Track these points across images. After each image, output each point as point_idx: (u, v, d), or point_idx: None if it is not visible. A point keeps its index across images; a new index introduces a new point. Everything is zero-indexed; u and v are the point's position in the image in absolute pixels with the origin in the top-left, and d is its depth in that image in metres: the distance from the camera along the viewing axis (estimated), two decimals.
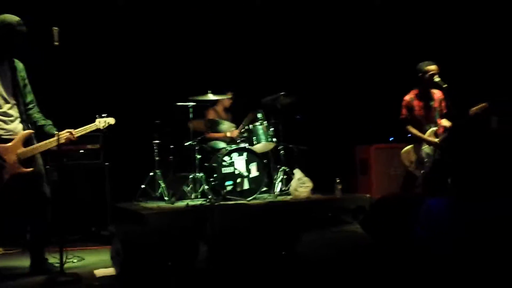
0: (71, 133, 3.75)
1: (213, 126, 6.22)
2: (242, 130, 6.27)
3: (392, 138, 7.13)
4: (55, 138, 3.63)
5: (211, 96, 6.09)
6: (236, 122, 6.46)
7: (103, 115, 3.94)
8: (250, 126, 6.19)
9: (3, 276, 3.75)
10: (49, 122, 3.79)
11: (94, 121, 3.92)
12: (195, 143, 5.99)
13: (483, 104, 4.88)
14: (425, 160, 5.03)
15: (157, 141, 6.11)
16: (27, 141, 3.66)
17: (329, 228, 5.54)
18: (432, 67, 5.13)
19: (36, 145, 3.69)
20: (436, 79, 5.09)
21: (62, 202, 4.95)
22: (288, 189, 6.06)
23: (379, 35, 7.29)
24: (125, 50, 6.52)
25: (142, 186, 6.04)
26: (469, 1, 6.57)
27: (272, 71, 7.11)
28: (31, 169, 3.63)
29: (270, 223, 4.82)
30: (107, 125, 3.94)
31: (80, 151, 5.57)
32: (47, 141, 3.70)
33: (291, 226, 4.22)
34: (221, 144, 6.32)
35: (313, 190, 6.03)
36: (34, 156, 3.70)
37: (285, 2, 7.06)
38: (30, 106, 3.79)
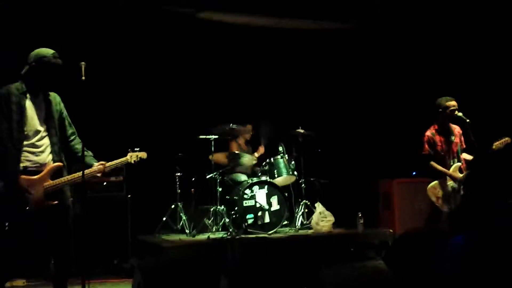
0: (103, 165, 3.78)
1: (235, 159, 6.25)
2: (264, 162, 6.29)
3: (415, 173, 7.05)
4: (86, 171, 3.67)
5: (232, 128, 6.14)
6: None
7: (136, 149, 3.96)
8: (272, 159, 6.21)
9: None
10: (90, 153, 3.82)
11: (126, 155, 3.94)
12: (216, 175, 6.02)
13: (506, 139, 4.82)
14: (451, 195, 4.96)
15: (179, 174, 6.16)
16: (55, 174, 3.69)
17: (351, 263, 5.41)
18: (452, 103, 5.12)
19: (64, 178, 3.73)
20: (459, 114, 5.07)
21: (85, 234, 5.00)
22: (309, 223, 6.02)
23: (400, 69, 7.32)
24: (150, 84, 6.66)
25: (164, 218, 6.07)
26: (488, 34, 6.57)
27: (295, 104, 7.17)
28: (55, 202, 3.66)
29: (291, 256, 4.79)
30: (138, 159, 3.97)
31: (104, 183, 5.65)
32: (75, 174, 3.74)
33: (312, 260, 4.18)
34: (243, 177, 6.34)
35: (335, 224, 5.97)
36: (62, 189, 3.73)
37: (305, 38, 7.16)
38: (72, 137, 3.83)
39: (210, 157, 6.14)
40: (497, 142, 4.83)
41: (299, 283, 3.81)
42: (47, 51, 3.70)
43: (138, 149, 3.97)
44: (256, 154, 6.59)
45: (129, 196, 5.68)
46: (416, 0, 6.75)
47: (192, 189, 6.27)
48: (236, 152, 6.34)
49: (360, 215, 5.94)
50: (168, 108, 6.75)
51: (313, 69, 7.37)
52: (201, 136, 6.14)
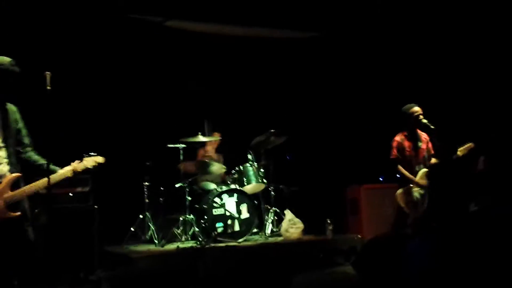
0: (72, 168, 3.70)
1: (203, 167, 6.23)
2: (232, 170, 6.29)
3: (382, 178, 7.17)
4: (44, 180, 3.58)
5: (201, 138, 6.13)
6: (227, 162, 6.49)
7: (91, 153, 3.84)
8: (241, 167, 6.22)
9: None
10: (49, 162, 3.68)
11: (81, 160, 3.81)
12: (185, 184, 5.98)
13: (470, 144, 4.96)
14: (419, 201, 5.06)
15: (147, 183, 6.10)
16: (14, 185, 3.61)
17: (321, 269, 5.48)
18: (416, 109, 5.25)
19: (24, 188, 3.63)
20: (423, 120, 5.19)
21: (51, 245, 4.87)
22: (279, 230, 6.03)
23: (368, 76, 7.45)
24: (117, 93, 6.58)
25: (132, 228, 5.98)
26: (452, 38, 6.75)
27: (261, 111, 7.20)
28: (18, 213, 3.57)
29: (262, 264, 4.78)
30: (96, 164, 3.85)
31: (70, 194, 5.53)
32: (35, 183, 3.65)
33: (283, 268, 4.18)
34: (212, 186, 6.31)
35: (304, 231, 6.01)
36: (20, 200, 3.63)
37: (271, 47, 7.22)
38: (28, 149, 3.73)
39: (179, 165, 6.11)
40: (461, 148, 4.96)
41: None
42: (4, 59, 3.61)
43: (94, 153, 3.84)
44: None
45: (95, 206, 5.57)
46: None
47: (161, 199, 6.20)
48: (205, 160, 6.32)
49: (329, 221, 6.00)
50: (137, 117, 6.67)
51: (281, 76, 7.42)
52: (169, 145, 6.10)
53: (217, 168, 6.29)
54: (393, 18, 6.80)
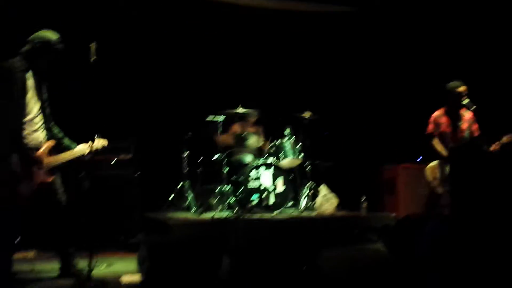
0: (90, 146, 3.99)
1: (240, 140, 6.34)
2: (270, 144, 6.37)
3: (421, 158, 7.09)
4: (81, 148, 3.89)
5: (240, 111, 6.23)
6: (267, 136, 6.60)
7: (96, 135, 4.06)
8: (278, 141, 6.29)
9: (33, 278, 3.93)
10: (66, 137, 4.01)
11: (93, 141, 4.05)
12: (223, 156, 6.12)
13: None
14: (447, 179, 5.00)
15: (187, 154, 6.27)
16: (51, 151, 3.83)
17: (353, 246, 5.54)
18: (461, 88, 5.15)
19: (61, 155, 3.87)
20: (465, 100, 5.10)
21: (93, 210, 5.13)
22: (313, 205, 6.11)
23: (411, 52, 7.30)
24: (159, 66, 6.72)
25: (171, 197, 6.20)
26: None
27: (301, 87, 7.20)
28: (53, 177, 3.80)
29: (294, 238, 4.89)
30: (102, 146, 4.08)
31: (112, 161, 5.78)
32: (71, 151, 3.89)
33: (313, 242, 4.27)
34: (249, 158, 6.42)
35: (339, 207, 6.06)
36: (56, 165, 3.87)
37: (311, 21, 7.15)
38: (51, 121, 3.97)
39: (217, 138, 6.24)
40: (506, 137, 4.84)
41: (299, 264, 3.91)
42: (53, 35, 3.80)
43: (97, 135, 4.07)
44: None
45: (137, 174, 5.81)
46: None
47: (199, 169, 6.37)
48: (242, 133, 6.43)
49: (363, 198, 6.02)
50: (178, 89, 6.80)
51: (320, 52, 7.36)
52: (209, 117, 6.23)
53: (254, 141, 6.39)
54: None
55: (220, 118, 6.22)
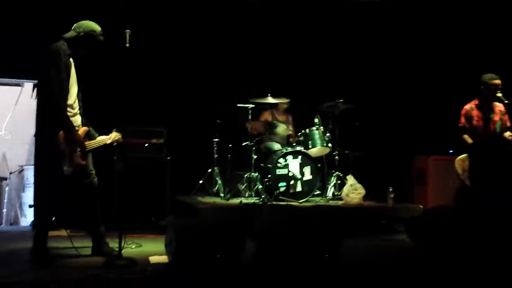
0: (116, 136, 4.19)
1: (270, 128, 6.42)
2: (299, 133, 6.43)
3: (452, 151, 7.01)
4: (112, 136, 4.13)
5: (270, 99, 6.29)
6: (297, 125, 6.63)
7: (113, 129, 4.22)
8: (307, 130, 6.34)
9: (67, 254, 4.13)
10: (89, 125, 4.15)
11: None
12: (252, 143, 6.21)
13: None
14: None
15: (217, 140, 6.39)
16: (85, 136, 4.01)
17: (379, 236, 5.57)
18: (495, 81, 5.08)
19: (96, 140, 4.06)
20: (498, 94, 5.03)
21: (126, 192, 5.31)
22: (340, 194, 6.15)
23: (444, 43, 7.20)
24: (193, 54, 6.81)
25: (200, 181, 6.34)
26: None
27: (332, 76, 7.20)
28: (85, 162, 3.97)
29: (318, 226, 4.94)
30: (115, 139, 4.19)
31: (145, 144, 5.96)
32: (97, 140, 4.08)
33: (338, 230, 4.32)
34: (277, 146, 6.50)
35: (366, 197, 6.08)
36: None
37: (344, 13, 7.11)
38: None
39: (247, 125, 6.34)
40: None
41: (321, 251, 3.98)
42: (97, 27, 3.95)
43: (114, 129, 4.22)
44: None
45: (168, 158, 5.97)
46: None
47: (229, 155, 6.48)
48: (272, 121, 6.50)
49: (390, 189, 6.01)
50: (211, 77, 6.90)
51: (352, 41, 7.32)
52: (239, 105, 6.32)
53: (283, 129, 6.47)
54: None
55: (250, 105, 6.30)
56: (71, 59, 3.90)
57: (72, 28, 3.97)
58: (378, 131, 7.30)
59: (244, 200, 5.81)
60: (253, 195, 6.06)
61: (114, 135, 4.20)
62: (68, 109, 3.88)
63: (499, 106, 5.18)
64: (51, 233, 4.07)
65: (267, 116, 6.75)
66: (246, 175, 6.13)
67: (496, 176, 2.44)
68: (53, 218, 4.02)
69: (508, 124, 5.18)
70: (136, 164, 5.79)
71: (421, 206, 6.01)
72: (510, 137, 5.04)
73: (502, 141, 4.82)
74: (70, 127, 3.80)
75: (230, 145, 6.49)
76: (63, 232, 4.36)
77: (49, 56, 3.78)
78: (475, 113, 5.15)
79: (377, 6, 7.12)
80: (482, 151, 2.62)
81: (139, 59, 4.65)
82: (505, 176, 2.45)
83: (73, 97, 3.93)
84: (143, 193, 5.82)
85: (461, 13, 6.94)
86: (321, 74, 7.21)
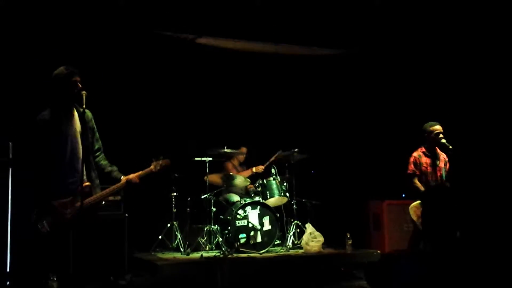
0: (132, 177, 3.98)
1: (228, 180, 6.48)
2: (257, 183, 6.52)
3: (405, 195, 7.24)
4: (117, 186, 3.92)
5: (227, 151, 6.39)
6: (252, 176, 6.75)
7: (160, 157, 4.10)
8: (264, 180, 6.44)
9: None
10: (115, 168, 4.00)
11: (149, 165, 4.09)
12: (211, 196, 6.24)
13: None
14: None
15: (175, 194, 6.38)
16: (85, 193, 3.77)
17: (339, 283, 5.62)
18: (437, 127, 5.35)
19: (96, 195, 3.88)
20: (442, 140, 5.29)
21: (84, 251, 5.17)
22: (300, 243, 6.21)
23: (393, 92, 7.56)
24: (148, 107, 6.89)
25: (160, 237, 6.28)
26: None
27: (286, 126, 7.41)
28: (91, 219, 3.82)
29: (282, 276, 4.97)
30: (161, 167, 4.09)
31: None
32: (106, 190, 3.92)
33: (302, 280, 4.36)
34: (236, 198, 6.55)
35: (325, 245, 6.17)
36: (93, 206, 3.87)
37: (298, 64, 7.42)
38: (98, 153, 4.00)
39: (205, 178, 6.38)
40: None
41: None
42: (61, 70, 3.84)
43: (161, 157, 4.12)
44: (254, 169, 6.78)
45: (126, 215, 5.90)
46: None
47: (188, 209, 6.48)
48: (230, 173, 6.58)
49: (348, 235, 6.14)
50: (165, 130, 6.97)
51: (307, 93, 7.61)
52: (196, 158, 6.38)
53: (241, 181, 6.54)
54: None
55: (208, 158, 6.37)
56: (61, 117, 3.82)
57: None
58: (333, 179, 7.50)
59: (205, 254, 5.78)
60: (214, 248, 6.04)
61: (153, 166, 4.10)
62: (67, 168, 3.77)
63: (443, 154, 5.45)
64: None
65: (228, 168, 6.82)
66: (206, 228, 6.12)
67: (449, 223, 2.57)
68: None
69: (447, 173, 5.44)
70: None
71: (378, 251, 6.15)
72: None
73: (445, 188, 5.04)
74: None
75: (188, 199, 6.50)
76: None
77: None
78: (423, 159, 5.37)
79: (327, 60, 7.47)
80: (435, 198, 2.76)
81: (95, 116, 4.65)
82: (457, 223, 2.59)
83: (70, 154, 3.79)
84: (101, 252, 5.68)
85: (404, 63, 7.34)
86: (276, 126, 7.41)
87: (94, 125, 4.01)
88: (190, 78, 7.11)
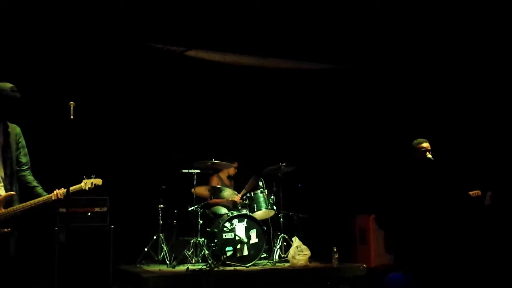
0: (57, 192, 3.83)
1: (216, 192, 6.48)
2: (244, 196, 6.54)
3: None
4: (42, 199, 3.79)
5: (215, 164, 6.39)
6: (239, 189, 6.74)
7: (92, 176, 3.99)
8: (252, 193, 6.45)
9: None
10: (39, 185, 3.90)
11: (80, 182, 3.95)
12: (198, 208, 6.23)
13: (477, 192, 5.13)
14: None
15: (162, 206, 6.36)
16: (7, 203, 3.74)
17: None
18: (424, 144, 5.40)
19: (16, 206, 3.77)
20: (429, 155, 5.35)
21: (68, 262, 5.14)
22: (286, 256, 6.21)
23: (379, 107, 7.65)
24: (135, 119, 6.89)
25: (146, 249, 6.24)
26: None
27: (274, 139, 7.45)
28: (8, 229, 3.70)
29: None
30: (93, 186, 3.97)
31: (88, 214, 5.86)
32: (28, 202, 3.80)
33: None
34: (223, 210, 6.55)
35: (311, 258, 6.18)
36: (13, 217, 3.76)
37: (287, 78, 7.49)
38: (24, 167, 3.91)
39: (192, 190, 6.37)
40: (471, 192, 5.14)
41: None
42: (5, 85, 3.79)
43: (93, 176, 4.00)
44: (244, 191, 6.80)
45: (112, 226, 5.87)
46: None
47: (174, 221, 6.46)
48: (217, 186, 6.57)
49: (335, 249, 6.15)
50: (153, 142, 6.96)
51: (296, 106, 7.67)
52: (184, 170, 6.38)
53: (229, 193, 6.54)
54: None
55: (195, 170, 6.37)
56: None
57: None
58: (320, 193, 7.53)
59: (191, 267, 5.75)
60: (200, 261, 6.02)
61: (84, 184, 3.95)
62: None
63: None
64: None
65: (215, 181, 6.82)
66: (192, 241, 6.09)
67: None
68: None
69: None
70: (79, 234, 5.66)
71: (364, 265, 6.17)
72: None
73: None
74: None
75: (175, 211, 6.48)
76: None
77: None
78: None
79: (316, 74, 7.55)
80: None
81: (83, 127, 4.64)
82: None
83: None
84: (86, 263, 5.64)
85: (392, 78, 7.44)
86: (263, 138, 7.45)
87: (23, 140, 3.94)
88: (179, 90, 7.12)
